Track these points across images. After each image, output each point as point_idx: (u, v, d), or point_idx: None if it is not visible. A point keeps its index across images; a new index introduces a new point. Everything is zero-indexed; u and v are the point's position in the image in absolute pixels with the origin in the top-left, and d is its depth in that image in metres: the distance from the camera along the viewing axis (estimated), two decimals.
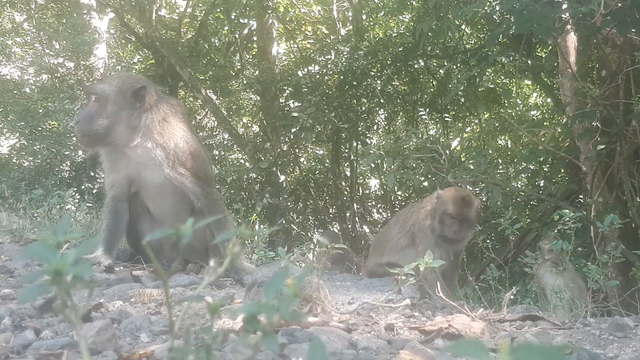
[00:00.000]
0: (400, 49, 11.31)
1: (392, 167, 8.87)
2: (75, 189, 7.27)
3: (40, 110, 9.97)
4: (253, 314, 1.13)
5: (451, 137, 12.48)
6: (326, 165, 13.28)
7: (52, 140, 9.78)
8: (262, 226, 10.55)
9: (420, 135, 9.82)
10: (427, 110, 11.78)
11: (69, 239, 1.29)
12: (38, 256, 1.20)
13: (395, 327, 2.19)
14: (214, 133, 13.21)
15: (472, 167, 8.20)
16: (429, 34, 9.56)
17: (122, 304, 2.33)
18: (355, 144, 12.35)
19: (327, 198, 13.17)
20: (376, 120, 12.64)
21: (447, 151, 9.16)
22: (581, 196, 8.07)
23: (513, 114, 12.29)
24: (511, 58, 9.71)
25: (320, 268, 2.74)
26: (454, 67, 11.58)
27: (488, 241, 9.05)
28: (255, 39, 13.04)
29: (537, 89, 12.45)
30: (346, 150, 12.76)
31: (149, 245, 1.52)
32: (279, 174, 11.70)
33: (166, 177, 3.55)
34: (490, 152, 11.33)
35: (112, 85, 3.48)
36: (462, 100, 11.46)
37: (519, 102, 13.12)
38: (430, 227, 4.53)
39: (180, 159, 3.55)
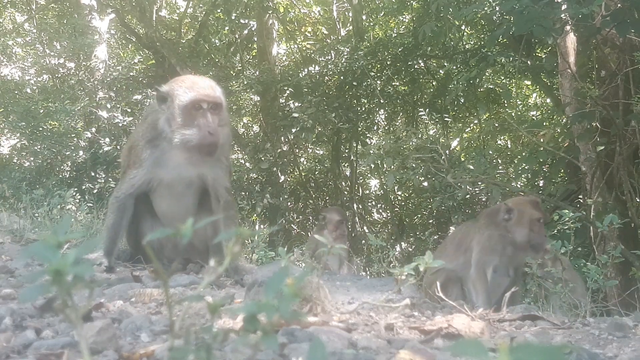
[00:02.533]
0: (400, 50, 11.32)
1: (392, 167, 8.88)
2: (75, 189, 7.29)
3: (41, 111, 9.99)
4: (253, 314, 1.13)
5: (451, 137, 12.49)
6: (326, 165, 13.29)
7: (52, 141, 9.80)
8: (262, 226, 10.56)
9: (420, 136, 9.83)
10: (427, 110, 11.79)
11: (70, 239, 1.30)
12: (39, 256, 1.20)
13: (395, 326, 2.19)
14: None
15: (471, 167, 8.21)
16: (430, 34, 9.58)
17: (123, 304, 2.33)
18: (355, 144, 12.36)
19: (327, 198, 13.18)
20: (376, 121, 12.66)
21: (447, 151, 9.18)
22: (581, 196, 8.08)
23: (513, 114, 12.30)
24: (511, 58, 9.72)
25: (320, 268, 2.75)
26: (454, 67, 11.59)
27: None
28: (255, 39, 13.05)
29: (537, 90, 12.46)
30: (346, 151, 12.77)
31: (150, 245, 1.53)
32: (279, 174, 11.71)
33: (209, 172, 3.55)
34: (490, 152, 11.34)
35: (219, 90, 3.47)
36: (462, 100, 11.48)
37: (519, 102, 13.13)
38: (501, 236, 4.44)
39: (229, 152, 3.67)
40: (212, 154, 3.42)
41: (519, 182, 10.16)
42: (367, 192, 13.99)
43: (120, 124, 10.91)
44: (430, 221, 12.46)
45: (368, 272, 7.48)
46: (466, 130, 13.43)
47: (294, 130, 10.79)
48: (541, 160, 8.78)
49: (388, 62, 11.62)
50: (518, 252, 4.47)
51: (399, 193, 13.32)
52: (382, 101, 11.77)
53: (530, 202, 4.60)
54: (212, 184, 3.60)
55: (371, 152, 9.13)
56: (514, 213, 4.46)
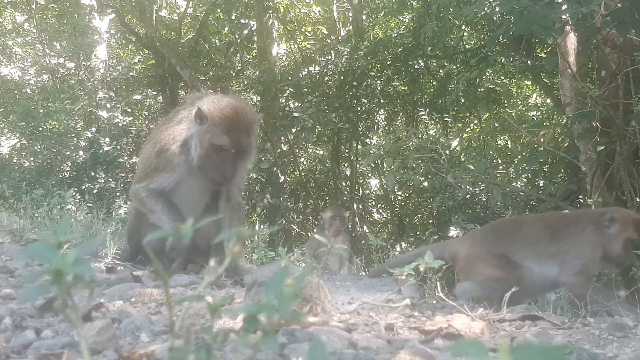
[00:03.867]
0: (400, 49, 11.31)
1: (392, 167, 8.87)
2: (75, 189, 7.29)
3: (41, 111, 9.99)
4: (253, 314, 1.13)
5: (451, 137, 12.48)
6: (326, 165, 13.28)
7: (52, 141, 9.79)
8: (262, 226, 10.56)
9: (420, 136, 9.82)
10: (427, 110, 11.78)
11: (70, 239, 1.29)
12: (38, 256, 1.20)
13: (395, 327, 2.19)
14: None
15: (472, 167, 8.20)
16: (431, 34, 9.58)
17: (123, 304, 2.33)
18: (355, 144, 12.36)
19: (327, 198, 13.18)
20: (376, 121, 12.65)
21: (447, 151, 9.17)
22: (581, 196, 8.08)
23: (513, 114, 12.29)
24: (511, 58, 9.71)
25: (320, 268, 2.74)
26: (454, 67, 11.59)
27: None
28: (255, 39, 13.04)
29: (537, 90, 12.45)
30: (346, 151, 12.77)
31: (151, 246, 1.52)
32: (279, 174, 11.71)
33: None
34: (490, 152, 11.33)
35: (255, 132, 3.51)
36: (462, 100, 11.47)
37: (519, 102, 13.12)
38: (598, 242, 4.27)
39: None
40: (220, 187, 3.60)
41: (519, 182, 10.16)
42: (367, 192, 13.99)
43: (120, 124, 10.92)
44: (431, 221, 12.46)
45: (368, 272, 7.48)
46: (466, 130, 13.42)
47: (294, 130, 10.79)
48: (541, 160, 8.77)
49: (388, 62, 11.62)
50: (603, 260, 4.36)
51: (399, 193, 13.31)
52: (382, 101, 11.76)
53: (635, 221, 4.37)
54: (230, 187, 3.64)
55: (371, 152, 9.12)
56: (616, 226, 4.30)
